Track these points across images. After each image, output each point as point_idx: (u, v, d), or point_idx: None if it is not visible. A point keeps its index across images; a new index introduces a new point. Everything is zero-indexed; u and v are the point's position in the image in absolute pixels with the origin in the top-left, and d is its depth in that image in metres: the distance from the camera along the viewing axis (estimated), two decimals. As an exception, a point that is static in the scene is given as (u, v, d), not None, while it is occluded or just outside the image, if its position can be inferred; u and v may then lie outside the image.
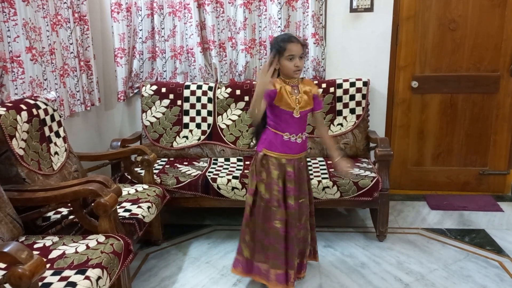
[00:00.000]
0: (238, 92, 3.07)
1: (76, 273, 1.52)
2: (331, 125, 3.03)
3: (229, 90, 3.08)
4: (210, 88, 3.10)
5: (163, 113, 3.09)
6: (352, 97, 3.03)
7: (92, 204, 1.83)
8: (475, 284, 2.22)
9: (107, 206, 1.77)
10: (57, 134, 2.31)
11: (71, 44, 2.76)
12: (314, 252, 2.32)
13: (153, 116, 3.09)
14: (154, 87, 3.11)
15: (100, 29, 3.22)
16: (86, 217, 1.90)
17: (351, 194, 2.53)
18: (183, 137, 3.09)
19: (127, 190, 2.37)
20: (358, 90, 3.03)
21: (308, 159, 2.93)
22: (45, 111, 2.24)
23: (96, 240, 1.75)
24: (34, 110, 2.16)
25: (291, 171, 2.05)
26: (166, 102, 3.09)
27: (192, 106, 3.10)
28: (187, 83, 3.13)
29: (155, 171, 2.71)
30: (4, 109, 2.00)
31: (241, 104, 3.07)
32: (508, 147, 3.32)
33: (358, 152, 3.01)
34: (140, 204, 2.21)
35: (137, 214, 2.12)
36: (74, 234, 1.93)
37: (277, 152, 2.04)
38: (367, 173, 2.62)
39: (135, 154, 2.65)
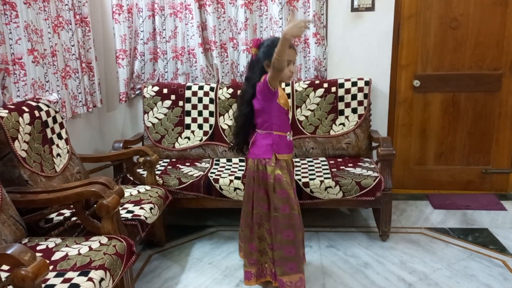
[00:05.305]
0: (239, 92, 3.06)
1: (79, 275, 1.52)
2: (333, 124, 3.02)
3: (230, 90, 3.08)
4: (211, 89, 3.10)
5: (165, 114, 3.09)
6: (354, 97, 3.02)
7: (95, 205, 1.83)
8: (478, 283, 2.22)
9: (109, 208, 1.77)
10: (59, 136, 2.31)
11: (72, 46, 2.77)
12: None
13: (155, 117, 3.10)
14: (156, 88, 3.11)
15: (101, 30, 3.22)
16: (88, 219, 1.90)
17: (354, 194, 2.52)
18: (185, 138, 3.09)
19: (130, 191, 2.38)
20: (360, 89, 3.02)
21: (310, 159, 2.94)
22: (47, 113, 2.25)
23: (99, 242, 1.75)
24: (36, 112, 2.17)
25: (292, 171, 2.07)
26: (167, 103, 3.09)
27: (194, 107, 3.10)
28: (188, 84, 3.13)
29: (157, 172, 2.71)
30: (6, 111, 2.00)
31: (243, 105, 3.07)
32: (511, 145, 3.31)
33: (360, 152, 3.00)
34: (143, 205, 2.21)
35: (140, 215, 2.12)
36: (76, 236, 1.93)
37: (285, 154, 2.00)
38: (370, 172, 2.61)
39: (137, 155, 2.65)
